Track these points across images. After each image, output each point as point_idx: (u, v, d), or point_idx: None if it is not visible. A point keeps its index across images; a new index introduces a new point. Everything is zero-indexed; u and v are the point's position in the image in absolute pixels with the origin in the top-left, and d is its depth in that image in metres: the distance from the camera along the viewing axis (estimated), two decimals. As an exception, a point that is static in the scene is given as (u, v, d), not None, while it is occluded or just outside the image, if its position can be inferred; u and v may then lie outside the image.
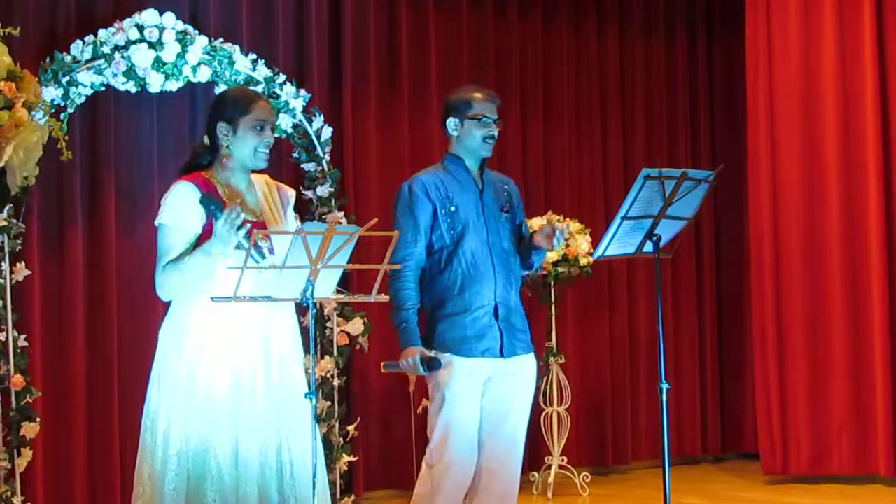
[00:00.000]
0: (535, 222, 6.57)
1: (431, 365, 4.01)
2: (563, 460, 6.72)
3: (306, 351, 3.74)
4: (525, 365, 4.19)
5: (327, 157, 6.08)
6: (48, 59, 5.34)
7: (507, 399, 4.14)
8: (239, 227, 3.48)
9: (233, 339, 3.61)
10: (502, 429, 4.14)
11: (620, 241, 4.05)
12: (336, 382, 6.00)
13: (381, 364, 4.24)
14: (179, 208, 3.63)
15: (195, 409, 3.56)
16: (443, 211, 4.11)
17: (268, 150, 3.76)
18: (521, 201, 4.34)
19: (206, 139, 3.81)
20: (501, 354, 4.10)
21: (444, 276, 4.11)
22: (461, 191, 4.15)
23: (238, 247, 3.48)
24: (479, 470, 4.16)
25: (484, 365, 4.08)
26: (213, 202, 3.54)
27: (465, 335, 4.07)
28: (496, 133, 4.18)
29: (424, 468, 4.15)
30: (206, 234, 3.61)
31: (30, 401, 5.14)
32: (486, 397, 4.12)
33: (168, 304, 3.76)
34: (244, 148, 3.72)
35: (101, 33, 5.45)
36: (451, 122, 4.18)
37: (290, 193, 3.93)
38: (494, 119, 4.17)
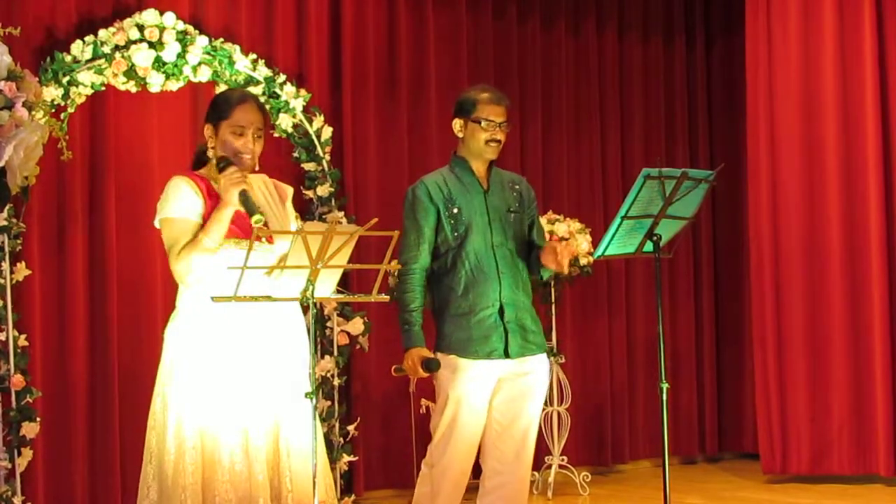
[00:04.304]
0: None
1: (430, 366, 4.01)
2: (563, 460, 6.71)
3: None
4: (536, 366, 4.15)
5: (327, 157, 6.08)
6: (48, 59, 5.34)
7: (517, 400, 4.12)
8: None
9: (239, 336, 3.65)
10: (512, 430, 4.12)
11: (620, 241, 4.05)
12: (336, 382, 5.99)
13: (392, 368, 4.24)
14: (179, 200, 3.70)
15: (205, 405, 3.60)
16: (446, 213, 4.10)
17: (250, 155, 3.79)
18: (533, 200, 4.30)
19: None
20: (507, 356, 4.07)
21: (449, 277, 4.10)
22: (465, 192, 4.14)
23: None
24: (488, 471, 4.15)
25: (490, 367, 4.06)
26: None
27: (469, 336, 4.05)
28: (500, 137, 4.13)
29: (425, 468, 4.15)
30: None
31: (30, 401, 5.14)
32: (498, 398, 4.11)
33: (172, 305, 3.77)
34: (227, 151, 3.77)
35: (101, 33, 5.45)
36: (457, 124, 4.18)
37: (288, 190, 3.95)
38: (499, 123, 4.12)
